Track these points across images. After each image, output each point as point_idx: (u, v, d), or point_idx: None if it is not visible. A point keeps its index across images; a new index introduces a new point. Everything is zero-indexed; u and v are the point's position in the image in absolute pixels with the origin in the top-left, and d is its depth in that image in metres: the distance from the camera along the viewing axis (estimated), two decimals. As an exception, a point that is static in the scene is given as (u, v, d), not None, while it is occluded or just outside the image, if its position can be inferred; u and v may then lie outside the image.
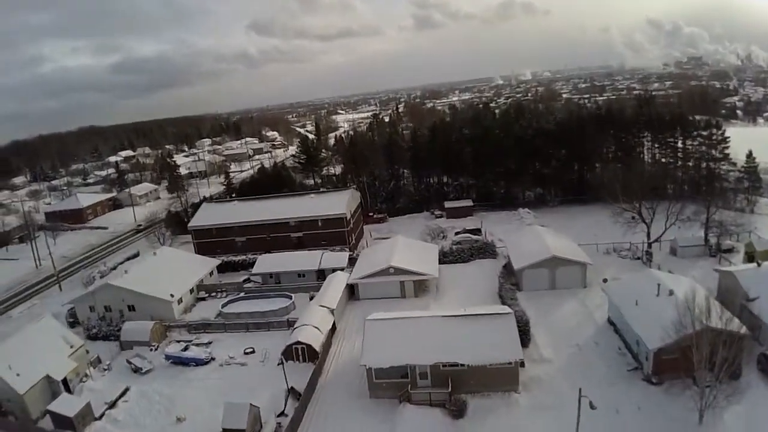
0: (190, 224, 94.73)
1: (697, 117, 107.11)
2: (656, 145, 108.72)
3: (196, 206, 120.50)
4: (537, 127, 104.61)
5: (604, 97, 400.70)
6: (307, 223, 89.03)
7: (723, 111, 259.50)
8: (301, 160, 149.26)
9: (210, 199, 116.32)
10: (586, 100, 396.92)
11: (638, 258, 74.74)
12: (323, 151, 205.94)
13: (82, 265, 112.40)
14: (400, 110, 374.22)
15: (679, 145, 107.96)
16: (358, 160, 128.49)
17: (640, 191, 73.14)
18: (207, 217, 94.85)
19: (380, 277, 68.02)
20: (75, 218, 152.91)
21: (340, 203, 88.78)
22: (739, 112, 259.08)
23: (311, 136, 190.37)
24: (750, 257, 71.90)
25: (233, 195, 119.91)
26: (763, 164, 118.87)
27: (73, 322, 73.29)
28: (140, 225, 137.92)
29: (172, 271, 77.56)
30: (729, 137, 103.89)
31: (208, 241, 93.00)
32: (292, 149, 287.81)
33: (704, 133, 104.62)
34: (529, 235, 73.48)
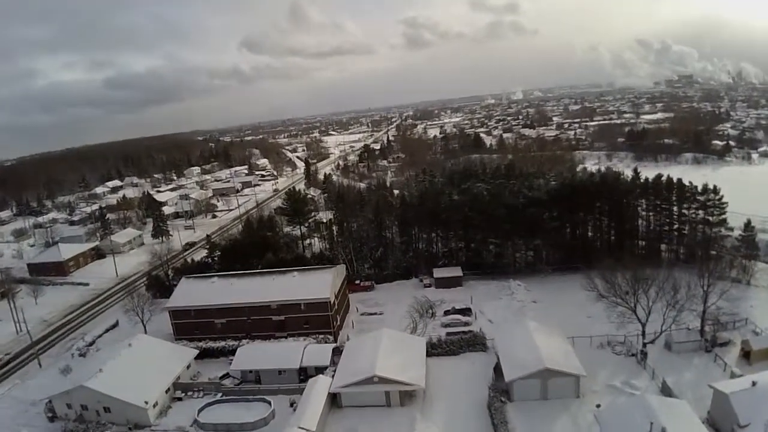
0: (168, 304, 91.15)
1: (694, 183, 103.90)
2: (651, 213, 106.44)
3: (177, 271, 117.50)
4: (529, 196, 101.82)
5: (595, 123, 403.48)
6: (289, 307, 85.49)
7: (716, 142, 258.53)
8: (288, 212, 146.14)
9: (190, 268, 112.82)
10: (577, 125, 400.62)
11: (633, 355, 71.76)
12: (311, 193, 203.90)
13: (63, 333, 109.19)
14: (390, 139, 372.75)
15: (675, 209, 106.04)
16: (346, 213, 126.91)
17: (635, 287, 70.36)
18: (185, 296, 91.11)
19: (364, 386, 64.52)
20: (57, 270, 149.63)
21: (323, 286, 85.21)
22: (732, 143, 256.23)
23: (300, 187, 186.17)
24: (746, 354, 69.84)
25: (215, 257, 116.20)
26: (761, 217, 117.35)
27: (52, 416, 71.66)
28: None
29: (147, 367, 74.02)
30: (726, 203, 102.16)
31: (187, 322, 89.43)
32: (282, 181, 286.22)
33: (701, 198, 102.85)
34: (520, 334, 70.14)
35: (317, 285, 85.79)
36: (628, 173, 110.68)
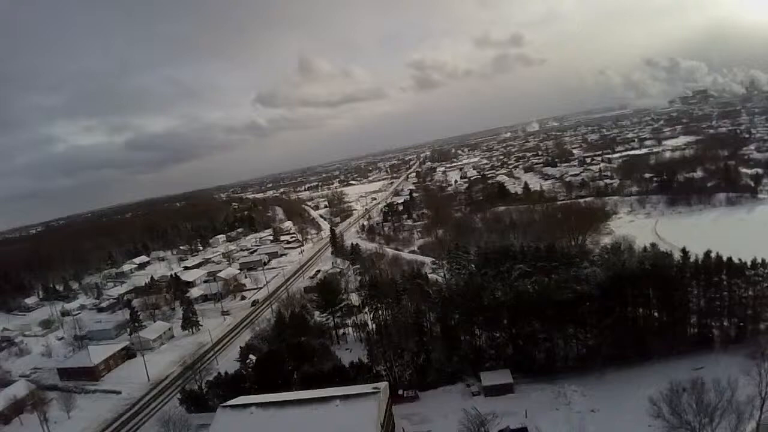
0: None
1: (743, 258, 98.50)
2: (701, 296, 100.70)
3: (210, 385, 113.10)
4: (577, 290, 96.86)
5: (617, 155, 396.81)
6: (332, 448, 79.81)
7: (744, 170, 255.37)
8: (320, 303, 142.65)
9: (224, 382, 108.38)
10: (600, 159, 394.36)
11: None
12: (339, 266, 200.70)
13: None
14: (412, 189, 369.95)
15: (725, 285, 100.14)
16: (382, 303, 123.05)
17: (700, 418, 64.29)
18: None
19: None
20: (87, 376, 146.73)
21: (369, 421, 79.35)
22: (760, 171, 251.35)
23: (329, 264, 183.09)
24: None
25: (250, 367, 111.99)
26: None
27: None
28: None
29: None
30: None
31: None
32: (308, 248, 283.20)
33: (750, 272, 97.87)
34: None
35: (362, 420, 79.85)
36: (677, 253, 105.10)
